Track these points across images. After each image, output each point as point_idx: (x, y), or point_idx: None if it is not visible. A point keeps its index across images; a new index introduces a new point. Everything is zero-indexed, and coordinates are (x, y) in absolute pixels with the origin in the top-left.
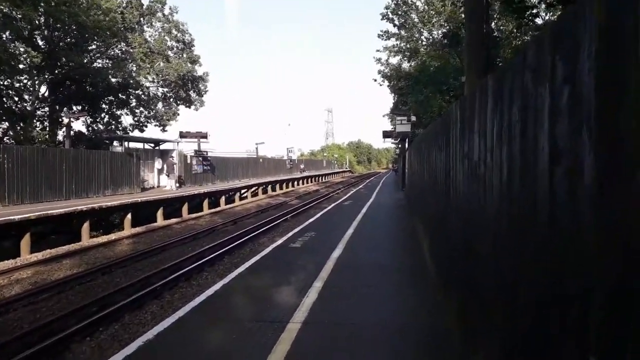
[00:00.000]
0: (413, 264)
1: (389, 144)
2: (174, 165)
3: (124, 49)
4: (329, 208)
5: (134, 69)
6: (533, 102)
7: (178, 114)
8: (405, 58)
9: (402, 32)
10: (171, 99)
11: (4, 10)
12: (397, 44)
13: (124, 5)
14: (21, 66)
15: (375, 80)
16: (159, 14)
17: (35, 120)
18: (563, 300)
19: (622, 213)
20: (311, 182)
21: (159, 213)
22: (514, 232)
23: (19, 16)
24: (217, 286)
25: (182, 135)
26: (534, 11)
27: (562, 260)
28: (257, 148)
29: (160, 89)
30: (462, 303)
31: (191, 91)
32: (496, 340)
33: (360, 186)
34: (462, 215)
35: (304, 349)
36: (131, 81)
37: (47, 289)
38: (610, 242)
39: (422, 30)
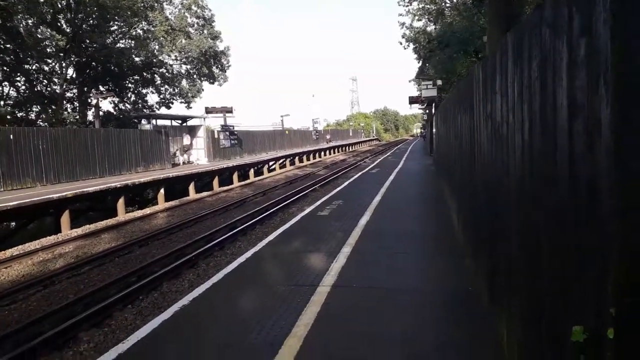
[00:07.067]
0: (441, 229)
1: (416, 109)
2: (190, 144)
3: (145, 28)
4: (356, 177)
5: (157, 47)
6: (551, 58)
7: (202, 90)
8: (430, 21)
9: None
10: (194, 76)
11: None
12: (420, 7)
13: None
14: (48, 50)
15: (401, 44)
16: None
17: (65, 102)
18: (584, 255)
19: None
20: (338, 152)
21: (191, 187)
22: (536, 190)
23: (42, 0)
24: (250, 253)
25: (208, 110)
26: None
27: (581, 215)
28: (282, 120)
29: (184, 66)
30: (489, 265)
31: (214, 67)
32: (522, 298)
33: (388, 154)
34: (487, 176)
35: (334, 311)
36: (154, 60)
37: (89, 261)
38: (631, 196)
39: None
